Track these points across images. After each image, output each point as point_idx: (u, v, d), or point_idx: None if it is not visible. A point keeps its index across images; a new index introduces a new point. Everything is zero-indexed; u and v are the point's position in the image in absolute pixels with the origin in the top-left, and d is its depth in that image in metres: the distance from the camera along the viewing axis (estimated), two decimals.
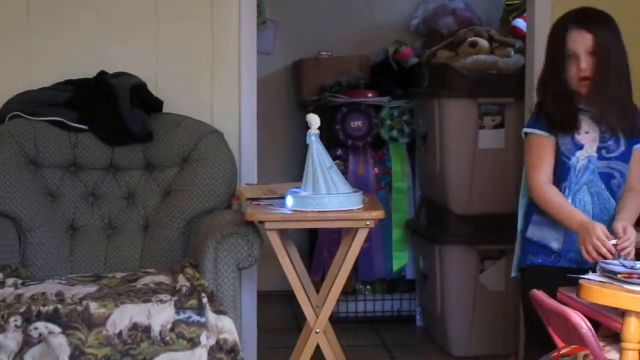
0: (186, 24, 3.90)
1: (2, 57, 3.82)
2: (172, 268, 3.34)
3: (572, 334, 2.31)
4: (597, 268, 2.41)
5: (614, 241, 2.78)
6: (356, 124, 4.98)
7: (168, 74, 3.87)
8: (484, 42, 4.61)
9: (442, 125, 4.40)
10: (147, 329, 2.88)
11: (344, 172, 4.80)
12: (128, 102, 3.60)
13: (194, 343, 2.90)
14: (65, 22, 3.85)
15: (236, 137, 3.87)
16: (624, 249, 2.78)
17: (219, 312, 2.99)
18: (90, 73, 3.76)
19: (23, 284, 3.14)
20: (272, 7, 5.59)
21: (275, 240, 3.18)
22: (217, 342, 2.94)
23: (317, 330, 3.23)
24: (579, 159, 2.98)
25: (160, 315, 2.90)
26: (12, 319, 2.85)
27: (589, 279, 2.35)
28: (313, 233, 5.10)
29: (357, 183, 4.54)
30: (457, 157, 4.39)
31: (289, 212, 3.18)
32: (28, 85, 3.75)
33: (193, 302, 2.95)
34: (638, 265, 2.37)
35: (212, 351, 2.93)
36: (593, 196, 2.99)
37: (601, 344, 2.39)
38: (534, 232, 3.06)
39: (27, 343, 2.83)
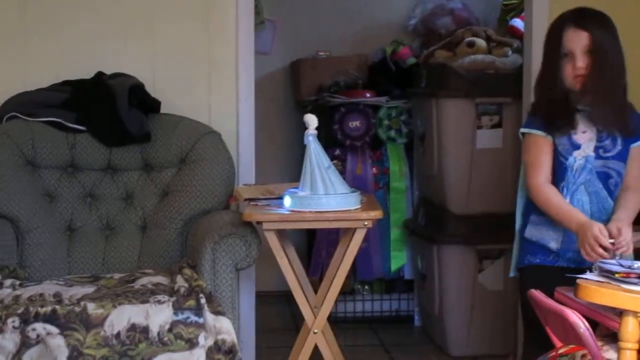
0: (184, 24, 3.90)
1: (0, 57, 3.82)
2: (170, 269, 3.34)
3: (570, 334, 2.31)
4: (594, 268, 2.41)
5: (612, 240, 2.78)
6: (354, 124, 4.98)
7: (166, 75, 3.87)
8: (481, 42, 4.61)
9: (440, 125, 4.40)
10: (145, 330, 2.88)
11: (342, 172, 4.80)
12: (126, 103, 3.60)
13: (192, 344, 2.90)
14: (62, 23, 3.85)
15: (234, 137, 3.87)
16: (619, 248, 2.78)
17: (217, 312, 2.98)
18: (88, 74, 3.76)
19: (21, 285, 3.14)
20: (270, 7, 5.59)
21: (273, 240, 3.18)
22: (216, 342, 2.94)
23: (316, 331, 3.23)
24: (577, 158, 2.99)
25: (158, 316, 2.90)
26: (10, 320, 2.85)
27: (586, 279, 2.34)
28: (311, 233, 5.10)
29: (355, 183, 4.55)
30: (455, 157, 4.39)
31: (287, 212, 3.18)
32: (25, 86, 3.75)
33: (191, 302, 2.94)
34: (636, 265, 2.37)
35: (211, 352, 2.93)
36: (591, 196, 2.99)
37: (599, 343, 2.39)
38: (532, 232, 3.06)
39: (25, 344, 2.83)
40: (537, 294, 2.50)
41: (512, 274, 3.21)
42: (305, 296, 3.29)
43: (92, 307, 2.88)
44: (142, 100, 3.68)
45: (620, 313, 2.28)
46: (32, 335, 2.83)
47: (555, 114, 2.98)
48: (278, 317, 5.11)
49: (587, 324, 2.27)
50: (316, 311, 3.26)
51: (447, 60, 4.56)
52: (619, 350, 2.28)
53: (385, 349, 4.59)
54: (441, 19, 5.28)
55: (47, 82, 3.76)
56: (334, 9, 5.66)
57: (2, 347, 2.83)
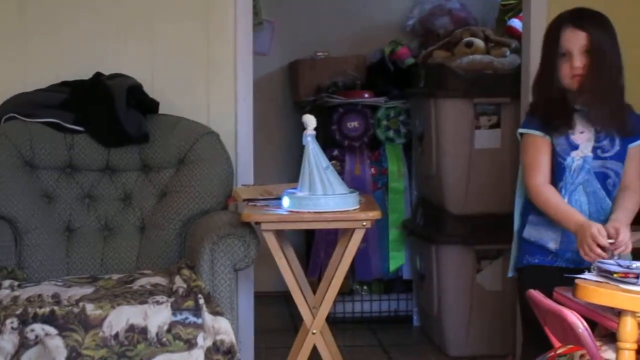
0: (182, 25, 3.90)
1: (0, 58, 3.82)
2: (168, 269, 3.34)
3: (569, 334, 2.31)
4: (592, 268, 2.41)
5: (611, 240, 2.78)
6: (352, 124, 4.98)
7: (164, 75, 3.87)
8: (479, 42, 4.62)
9: (439, 125, 4.40)
10: (143, 331, 2.88)
11: (341, 173, 4.80)
12: (124, 104, 3.60)
13: (190, 344, 2.89)
14: (60, 24, 3.85)
15: (232, 138, 3.87)
16: (617, 248, 2.78)
17: (215, 313, 2.98)
18: (86, 74, 3.76)
19: (19, 286, 3.14)
20: (269, 8, 5.59)
21: (271, 241, 3.18)
22: (214, 343, 2.94)
23: (314, 331, 3.23)
24: (575, 159, 2.99)
25: (156, 316, 2.90)
26: (8, 321, 2.85)
27: (585, 279, 2.35)
28: (310, 234, 5.10)
29: (354, 183, 4.55)
30: (454, 157, 4.39)
31: (286, 213, 3.18)
32: (23, 87, 3.75)
33: (190, 303, 2.94)
34: (634, 265, 2.37)
35: (209, 352, 2.92)
36: (589, 196, 2.99)
37: (597, 343, 2.39)
38: (530, 233, 3.06)
39: (24, 345, 2.83)
40: (536, 294, 2.50)
41: (510, 274, 3.21)
42: (304, 296, 3.29)
43: (90, 308, 2.88)
44: (140, 101, 3.68)
45: (618, 313, 2.29)
46: (31, 336, 2.83)
47: (553, 114, 2.98)
48: (277, 318, 5.11)
49: (585, 324, 2.27)
50: (315, 311, 3.26)
51: (446, 60, 4.56)
52: (617, 350, 2.28)
53: (384, 349, 4.59)
54: (439, 19, 5.29)
55: (47, 82, 3.76)
56: (332, 10, 5.66)
57: (1, 348, 2.83)
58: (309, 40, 5.54)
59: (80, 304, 2.90)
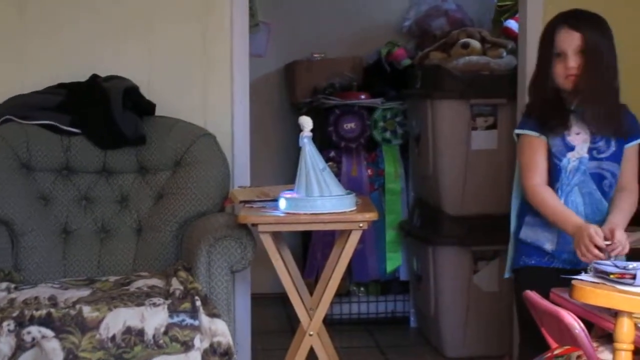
0: (179, 27, 3.90)
1: None
2: (165, 271, 3.34)
3: (566, 335, 2.31)
4: (589, 269, 2.42)
5: (607, 242, 2.78)
6: (349, 125, 4.98)
7: (161, 77, 3.87)
8: (476, 44, 4.62)
9: (435, 126, 4.40)
10: (140, 333, 2.87)
11: (337, 174, 4.80)
12: (120, 106, 3.60)
13: (187, 346, 2.89)
14: (57, 26, 3.84)
15: (229, 139, 3.87)
16: (614, 249, 2.78)
17: (212, 315, 2.98)
18: (83, 76, 3.75)
19: (16, 288, 3.13)
20: (265, 10, 5.59)
21: (268, 242, 3.18)
22: (211, 345, 2.94)
23: (311, 333, 3.22)
24: (570, 160, 2.99)
25: (153, 318, 2.89)
26: (5, 324, 2.84)
27: (581, 280, 2.35)
28: (306, 235, 5.10)
29: (351, 185, 4.55)
30: (450, 158, 4.39)
31: (282, 214, 3.18)
32: (20, 89, 3.75)
33: (186, 305, 2.94)
34: (630, 266, 2.37)
35: (206, 354, 2.92)
36: (585, 197, 3.00)
37: (594, 344, 2.39)
38: (527, 234, 3.06)
39: (21, 347, 2.82)
40: (533, 295, 2.50)
41: (507, 275, 3.21)
42: (301, 298, 3.29)
43: (87, 310, 2.88)
44: (136, 103, 3.68)
45: (615, 314, 2.29)
46: (28, 338, 2.83)
47: (549, 115, 2.99)
48: (273, 319, 5.11)
49: (582, 324, 2.27)
50: (312, 313, 3.26)
51: (442, 61, 4.56)
52: (614, 351, 2.28)
53: (381, 351, 4.59)
54: (436, 21, 5.29)
55: (43, 84, 3.75)
56: (328, 11, 5.66)
57: None
58: (306, 42, 5.54)
59: (77, 306, 2.90)
